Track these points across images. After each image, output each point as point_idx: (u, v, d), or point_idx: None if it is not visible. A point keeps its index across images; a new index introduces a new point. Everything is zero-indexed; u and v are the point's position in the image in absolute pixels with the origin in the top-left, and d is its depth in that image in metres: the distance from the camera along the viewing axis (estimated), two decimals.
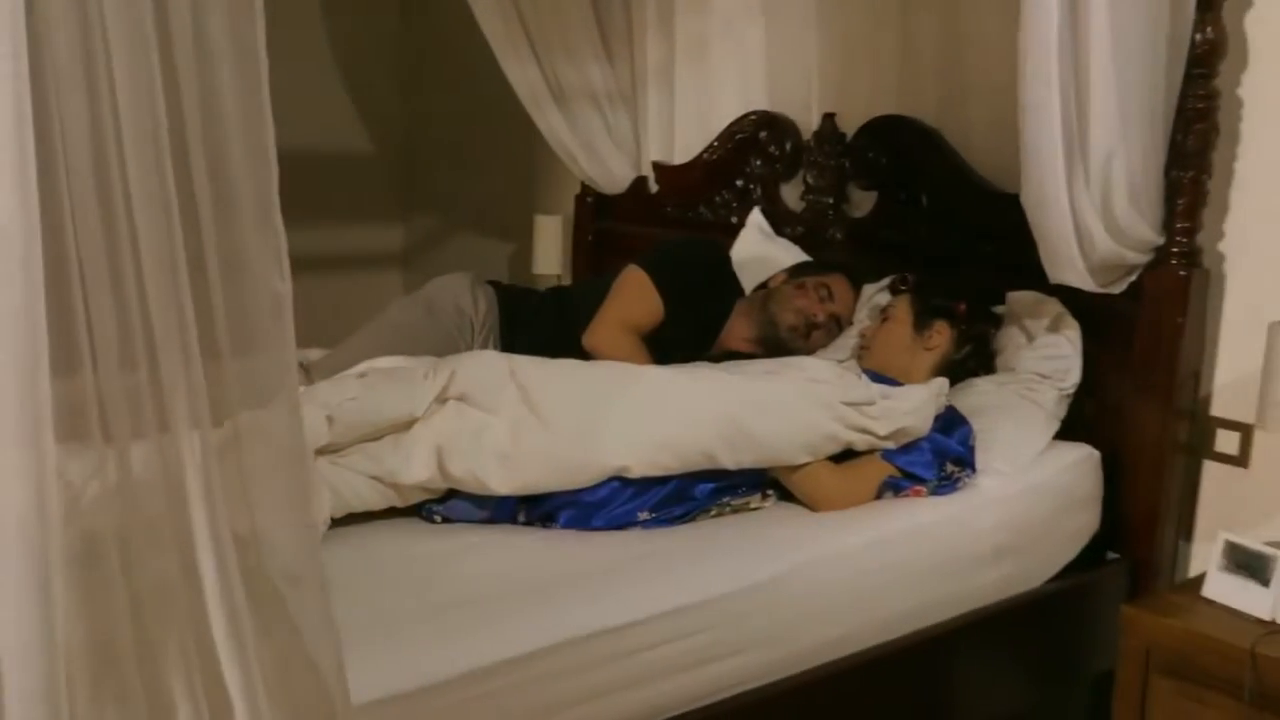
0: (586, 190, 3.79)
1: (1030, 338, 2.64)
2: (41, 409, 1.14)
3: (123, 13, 1.18)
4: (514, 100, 3.56)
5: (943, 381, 2.38)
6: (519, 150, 4.30)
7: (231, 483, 1.31)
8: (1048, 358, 2.59)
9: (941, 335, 2.60)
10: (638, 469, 2.14)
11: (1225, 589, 2.14)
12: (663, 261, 2.88)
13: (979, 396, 2.57)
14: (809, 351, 2.79)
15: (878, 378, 2.44)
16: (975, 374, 2.64)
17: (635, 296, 2.81)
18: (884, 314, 2.69)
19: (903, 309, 2.65)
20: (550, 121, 3.55)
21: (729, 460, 2.18)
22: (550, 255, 4.06)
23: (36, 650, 1.16)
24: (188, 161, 1.25)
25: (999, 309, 2.70)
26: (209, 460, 1.28)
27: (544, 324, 2.91)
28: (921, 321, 2.60)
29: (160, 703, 1.28)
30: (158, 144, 1.22)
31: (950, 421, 2.36)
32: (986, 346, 2.66)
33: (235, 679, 1.29)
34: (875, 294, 2.89)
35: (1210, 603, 2.15)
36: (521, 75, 3.47)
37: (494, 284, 3.02)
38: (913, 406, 2.28)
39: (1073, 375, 2.57)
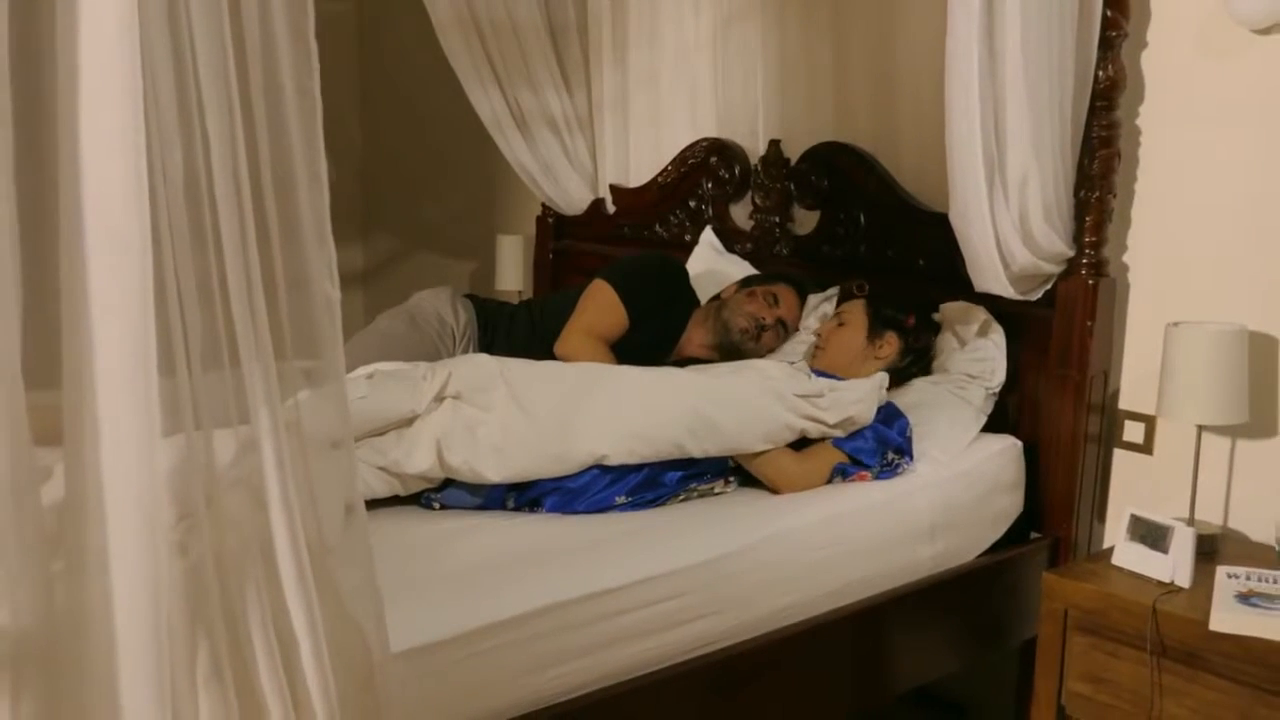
0: (547, 211, 4.02)
1: (962, 342, 2.90)
2: (153, 402, 1.36)
3: (212, 68, 1.42)
4: (474, 126, 3.77)
5: (884, 376, 2.65)
6: (480, 173, 4.54)
7: (297, 462, 1.54)
8: (976, 360, 2.86)
9: (890, 346, 2.86)
10: (615, 457, 2.37)
11: (1131, 557, 2.40)
12: (626, 275, 3.13)
13: (915, 394, 2.85)
14: (760, 353, 3.05)
15: (825, 376, 2.71)
16: (914, 376, 2.92)
17: (602, 307, 3.06)
18: (839, 318, 2.93)
19: (858, 315, 2.89)
20: (512, 146, 3.76)
21: (696, 449, 2.43)
22: (512, 272, 4.29)
23: (145, 593, 1.37)
24: (261, 190, 1.48)
25: (935, 316, 2.98)
26: (280, 444, 1.51)
27: (518, 333, 3.15)
28: (874, 331, 2.85)
29: (238, 640, 1.51)
30: (238, 175, 1.46)
31: (890, 415, 2.63)
32: (927, 355, 2.94)
33: (302, 625, 1.52)
34: (820, 303, 3.15)
35: (1119, 569, 2.40)
36: (485, 102, 3.69)
37: (471, 297, 3.26)
38: (858, 397, 2.55)
39: (998, 375, 2.85)
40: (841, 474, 2.56)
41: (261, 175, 1.48)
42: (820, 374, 2.69)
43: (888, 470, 2.57)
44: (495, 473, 2.32)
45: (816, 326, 3.04)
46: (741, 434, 2.46)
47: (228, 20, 1.42)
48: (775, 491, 2.52)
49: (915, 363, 2.91)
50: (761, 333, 3.06)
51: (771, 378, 2.54)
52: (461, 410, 2.36)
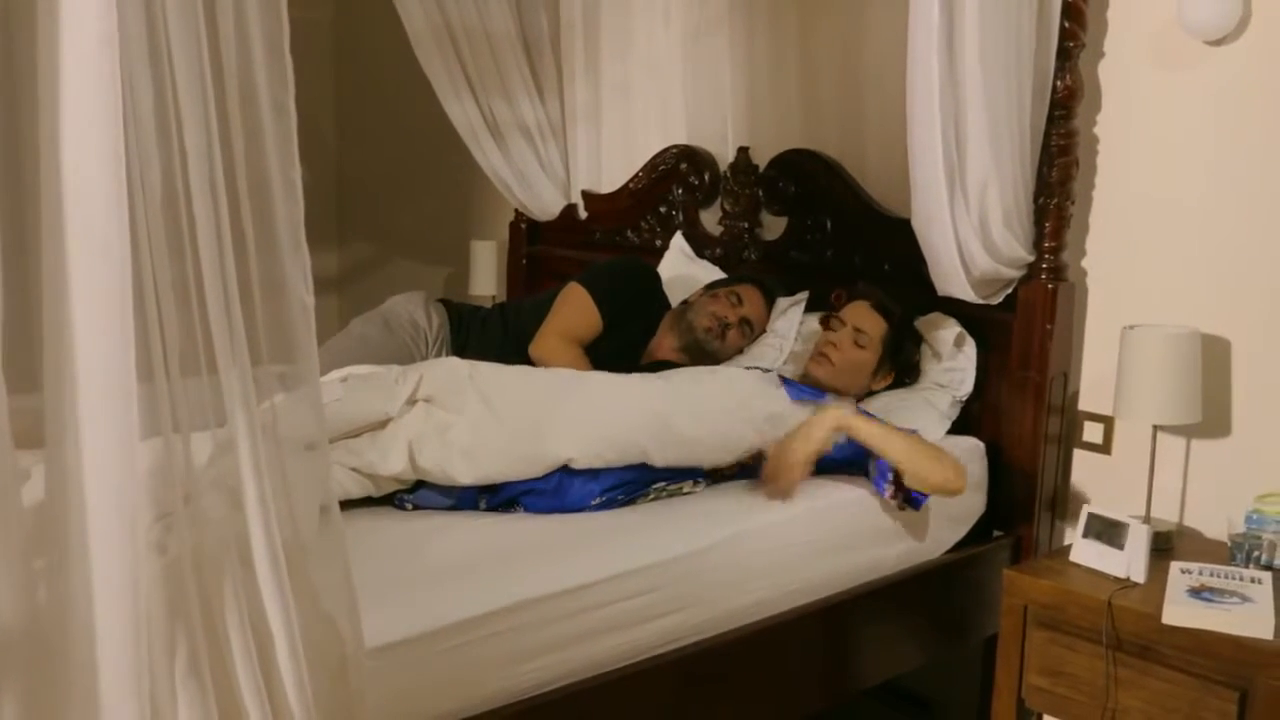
0: (520, 217, 4.08)
1: (938, 355, 2.97)
2: (132, 405, 1.40)
3: (190, 80, 1.47)
4: (448, 133, 3.82)
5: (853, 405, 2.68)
6: (454, 180, 4.58)
7: (273, 463, 1.58)
8: (947, 370, 2.94)
9: (887, 381, 2.93)
10: (582, 461, 2.41)
11: (1088, 554, 2.47)
12: (600, 279, 3.20)
13: (883, 400, 2.93)
14: (727, 352, 3.12)
15: (803, 389, 2.76)
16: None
17: (576, 310, 3.13)
18: (857, 336, 2.89)
19: (876, 342, 2.88)
20: (487, 154, 3.83)
21: (658, 457, 2.47)
22: (486, 277, 4.34)
23: (124, 590, 1.40)
24: (237, 199, 1.53)
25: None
26: (256, 446, 1.55)
27: (491, 336, 3.21)
28: (884, 365, 2.90)
29: (216, 636, 1.55)
30: (214, 186, 1.50)
31: None
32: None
33: (278, 621, 1.57)
34: (789, 307, 3.21)
35: (1077, 566, 2.47)
36: (460, 112, 3.75)
37: (444, 302, 3.32)
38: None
39: (966, 386, 2.92)
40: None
41: (238, 185, 1.53)
42: (797, 386, 2.75)
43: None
44: (466, 475, 2.36)
45: (832, 335, 2.92)
46: (702, 447, 2.52)
47: (205, 35, 1.47)
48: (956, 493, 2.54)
49: (891, 389, 2.98)
50: (725, 331, 3.12)
51: (743, 394, 2.59)
52: (433, 414, 2.40)
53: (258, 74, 1.52)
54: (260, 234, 1.56)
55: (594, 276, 3.21)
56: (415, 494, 2.42)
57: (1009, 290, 2.84)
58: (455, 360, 2.59)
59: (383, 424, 2.39)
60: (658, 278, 3.35)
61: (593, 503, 2.43)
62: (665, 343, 3.20)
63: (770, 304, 3.22)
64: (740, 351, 3.17)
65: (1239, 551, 2.43)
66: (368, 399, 2.40)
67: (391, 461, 2.34)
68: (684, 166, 3.64)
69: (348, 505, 2.34)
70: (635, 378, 2.70)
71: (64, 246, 1.35)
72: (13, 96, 1.37)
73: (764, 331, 3.20)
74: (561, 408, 2.47)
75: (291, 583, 1.59)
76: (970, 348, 2.92)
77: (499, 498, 2.42)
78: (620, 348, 3.14)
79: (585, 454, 2.42)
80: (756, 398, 2.61)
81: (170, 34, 1.45)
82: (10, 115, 1.37)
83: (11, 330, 1.38)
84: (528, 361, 3.00)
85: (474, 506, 2.43)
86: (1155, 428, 2.59)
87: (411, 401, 2.43)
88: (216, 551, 1.56)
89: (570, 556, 2.18)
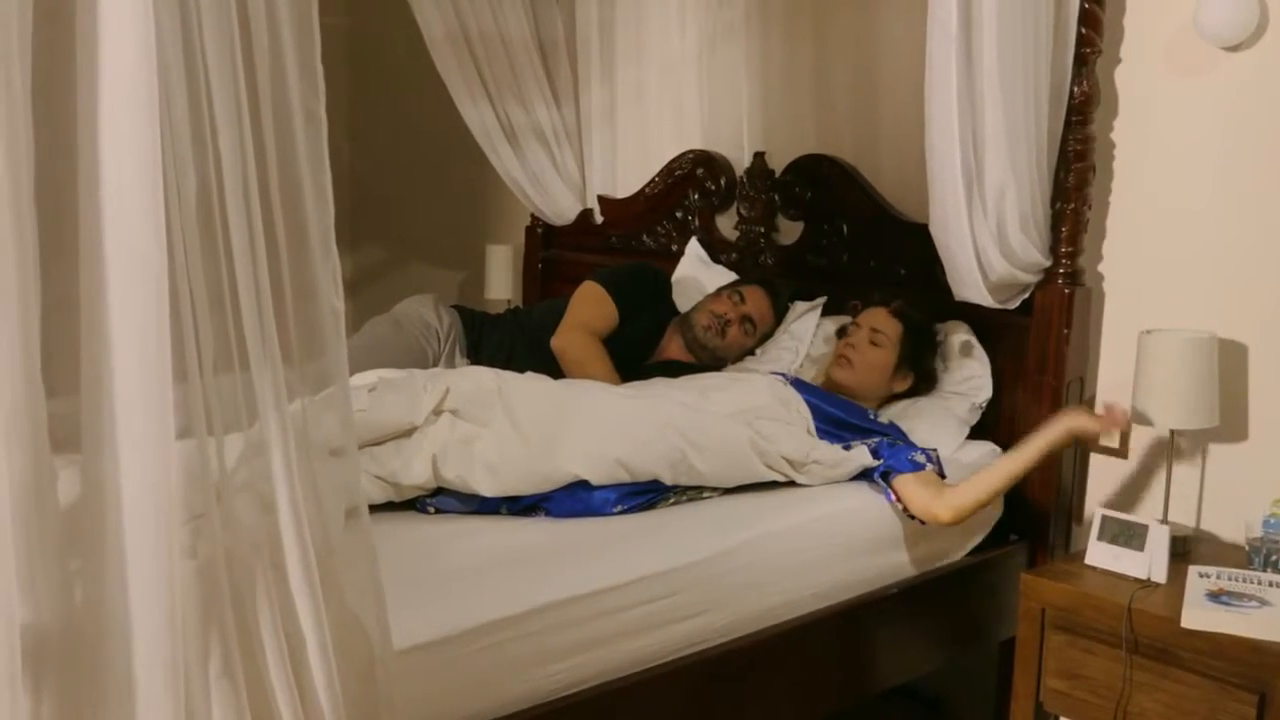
0: (536, 221, 4.09)
1: (945, 364, 3.00)
2: (168, 406, 1.42)
3: (224, 90, 1.49)
4: (463, 137, 3.85)
5: (868, 454, 2.69)
6: (470, 184, 4.60)
7: (304, 467, 1.60)
8: (965, 377, 2.96)
9: (907, 383, 2.95)
10: (596, 481, 2.42)
11: (1103, 556, 2.48)
12: (615, 277, 3.28)
13: (903, 405, 2.96)
14: (731, 350, 3.18)
15: (813, 390, 2.79)
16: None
17: (593, 304, 3.20)
18: (873, 335, 2.92)
19: (893, 341, 2.91)
20: (503, 159, 3.85)
21: (670, 481, 2.50)
22: (501, 281, 4.36)
23: (159, 591, 1.42)
24: (270, 205, 1.55)
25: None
26: (288, 450, 1.57)
27: (504, 336, 3.27)
28: (903, 366, 2.92)
29: (249, 636, 1.57)
30: (248, 192, 1.52)
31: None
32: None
33: (309, 623, 1.59)
34: (806, 311, 3.23)
35: (1093, 569, 2.48)
36: (477, 117, 3.77)
37: (457, 308, 3.37)
38: (840, 474, 2.64)
39: (984, 392, 2.94)
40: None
41: (270, 191, 1.55)
42: (812, 388, 2.77)
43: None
44: (487, 488, 2.37)
45: (852, 337, 2.95)
46: (717, 479, 2.55)
47: (239, 48, 1.49)
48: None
49: (909, 395, 3.00)
50: (725, 328, 3.18)
51: (766, 431, 2.60)
52: (458, 426, 2.41)
53: (290, 84, 1.54)
54: (292, 239, 1.58)
55: (609, 274, 3.30)
56: (436, 498, 2.43)
57: (1025, 295, 2.85)
58: (483, 371, 2.58)
59: (408, 433, 2.40)
60: (667, 280, 3.41)
61: (613, 510, 2.44)
62: (673, 343, 3.27)
63: (778, 304, 3.26)
64: (748, 350, 3.21)
65: (1256, 555, 2.44)
66: (394, 408, 2.40)
67: (415, 471, 2.36)
68: (700, 171, 3.65)
69: (371, 509, 2.35)
70: (658, 399, 2.67)
71: (102, 251, 1.37)
72: (53, 106, 1.39)
73: (772, 332, 3.23)
74: (583, 428, 2.47)
75: (322, 585, 1.61)
76: (980, 353, 2.93)
77: (520, 504, 2.43)
78: (635, 341, 3.21)
79: (602, 478, 2.43)
80: (781, 438, 2.62)
81: (206, 45, 1.47)
82: (50, 123, 1.39)
83: (49, 334, 1.40)
84: (541, 360, 3.04)
85: (495, 511, 2.44)
86: (1172, 432, 2.60)
87: (437, 411, 2.44)
88: (248, 554, 1.58)
89: (593, 560, 2.20)
